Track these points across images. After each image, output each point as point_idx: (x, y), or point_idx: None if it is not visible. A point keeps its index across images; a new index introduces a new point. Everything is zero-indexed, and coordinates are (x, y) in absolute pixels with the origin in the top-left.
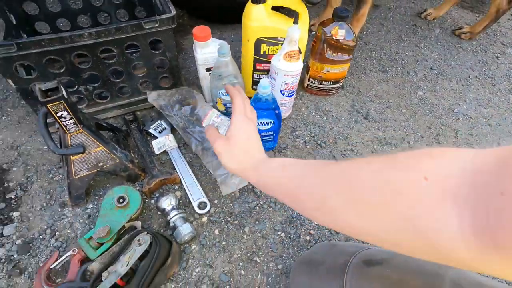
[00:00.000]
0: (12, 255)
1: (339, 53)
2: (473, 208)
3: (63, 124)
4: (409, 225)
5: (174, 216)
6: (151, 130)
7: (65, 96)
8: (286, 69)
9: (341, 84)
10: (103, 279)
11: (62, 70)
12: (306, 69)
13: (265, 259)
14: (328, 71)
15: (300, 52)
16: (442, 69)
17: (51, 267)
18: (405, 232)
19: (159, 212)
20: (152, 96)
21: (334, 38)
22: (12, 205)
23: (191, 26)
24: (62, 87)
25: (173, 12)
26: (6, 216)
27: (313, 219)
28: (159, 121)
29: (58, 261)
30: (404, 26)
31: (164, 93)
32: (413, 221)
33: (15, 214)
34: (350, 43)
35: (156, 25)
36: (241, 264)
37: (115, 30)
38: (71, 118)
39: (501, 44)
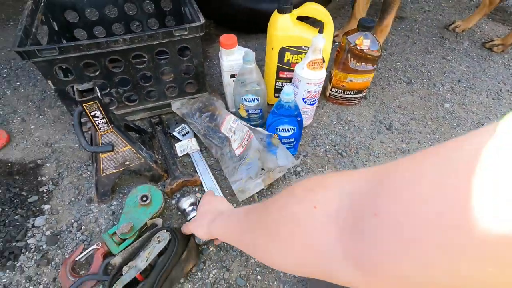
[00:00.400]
0: (41, 246)
1: (363, 63)
2: (351, 230)
3: (95, 123)
4: (310, 253)
5: (194, 216)
6: (175, 133)
7: (99, 97)
8: (309, 77)
9: (364, 94)
10: (123, 273)
11: (96, 73)
12: (328, 78)
13: None
14: (351, 80)
15: (323, 61)
16: (471, 82)
17: (76, 259)
18: (310, 260)
19: (179, 213)
20: (175, 106)
21: (358, 48)
22: (44, 198)
23: (217, 36)
24: (97, 88)
25: (202, 20)
26: (38, 208)
27: (263, 261)
28: (183, 125)
29: (83, 253)
30: (431, 38)
31: (187, 102)
32: (312, 248)
33: (46, 207)
34: (374, 53)
35: (186, 32)
36: (257, 269)
37: (147, 37)
38: (103, 118)
39: None
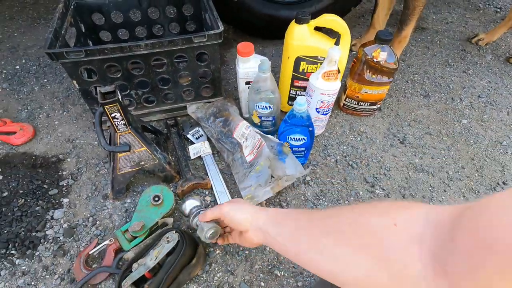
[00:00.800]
0: (59, 237)
1: (379, 75)
2: (433, 253)
3: (115, 124)
4: (384, 265)
5: (196, 212)
6: (189, 136)
7: (120, 100)
8: (324, 88)
9: (378, 106)
10: (133, 270)
11: (118, 75)
12: (343, 88)
13: (286, 274)
14: (366, 92)
15: (338, 72)
16: (492, 98)
17: (90, 253)
18: (381, 272)
19: (185, 217)
20: (191, 109)
21: (374, 60)
22: (63, 192)
23: (235, 40)
24: (118, 91)
25: (221, 28)
26: (57, 201)
27: (313, 266)
28: (197, 128)
29: (97, 248)
30: (452, 50)
31: (202, 106)
32: (387, 262)
33: (65, 200)
34: (391, 66)
35: (205, 39)
36: (261, 275)
37: (168, 43)
38: (122, 119)
39: None
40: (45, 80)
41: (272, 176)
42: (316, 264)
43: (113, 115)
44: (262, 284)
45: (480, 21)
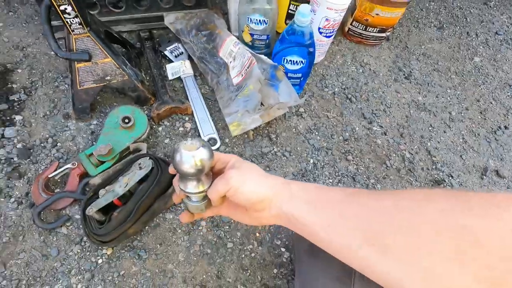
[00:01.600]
0: (12, 158)
1: None
2: None
3: (67, 22)
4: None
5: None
6: (166, 52)
7: None
8: (332, 0)
9: (387, 34)
10: (99, 196)
11: None
12: (351, 10)
13: None
14: (377, 14)
15: None
16: (510, 35)
17: (49, 176)
18: None
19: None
20: (169, 19)
21: None
22: (15, 108)
23: None
24: None
25: None
26: (8, 118)
27: (366, 265)
28: (176, 44)
29: (57, 171)
30: None
31: (182, 16)
32: (497, 281)
33: (18, 117)
34: None
35: None
36: None
37: None
38: (76, 16)
39: None
40: None
41: (262, 104)
42: (374, 265)
43: (62, 8)
44: None
45: None
